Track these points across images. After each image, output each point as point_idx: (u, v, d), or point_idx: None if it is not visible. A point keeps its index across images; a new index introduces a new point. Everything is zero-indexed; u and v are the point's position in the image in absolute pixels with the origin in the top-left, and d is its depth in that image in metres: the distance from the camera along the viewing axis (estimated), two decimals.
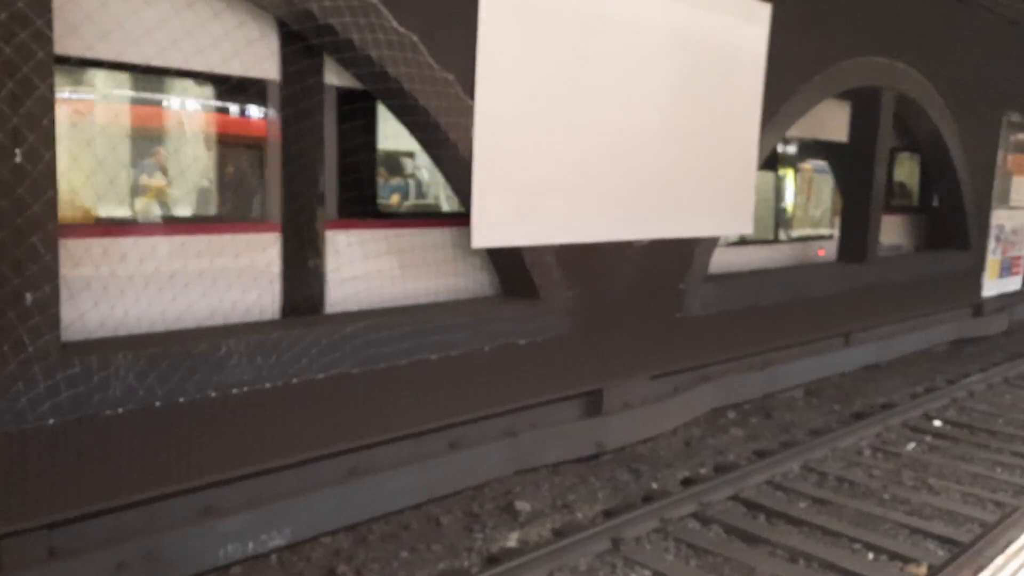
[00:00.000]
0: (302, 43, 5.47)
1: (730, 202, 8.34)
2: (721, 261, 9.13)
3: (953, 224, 12.71)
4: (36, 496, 4.39)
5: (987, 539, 5.67)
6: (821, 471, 7.43)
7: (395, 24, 5.51)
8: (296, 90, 5.58)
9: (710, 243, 8.33)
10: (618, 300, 7.49)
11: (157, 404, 4.73)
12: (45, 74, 4.19)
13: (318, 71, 5.67)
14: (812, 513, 6.50)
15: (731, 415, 9.03)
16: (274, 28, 5.48)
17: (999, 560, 3.74)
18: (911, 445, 8.30)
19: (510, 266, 6.76)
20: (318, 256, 5.85)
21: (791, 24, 8.41)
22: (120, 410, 4.60)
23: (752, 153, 8.41)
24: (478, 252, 6.70)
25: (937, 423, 9.08)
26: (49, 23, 4.18)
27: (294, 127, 5.61)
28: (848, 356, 11.06)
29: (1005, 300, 14.34)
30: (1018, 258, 14.46)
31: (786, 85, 8.66)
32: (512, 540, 5.90)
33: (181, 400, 4.82)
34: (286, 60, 5.53)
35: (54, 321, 4.38)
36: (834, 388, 10.36)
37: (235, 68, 5.36)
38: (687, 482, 7.10)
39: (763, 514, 6.51)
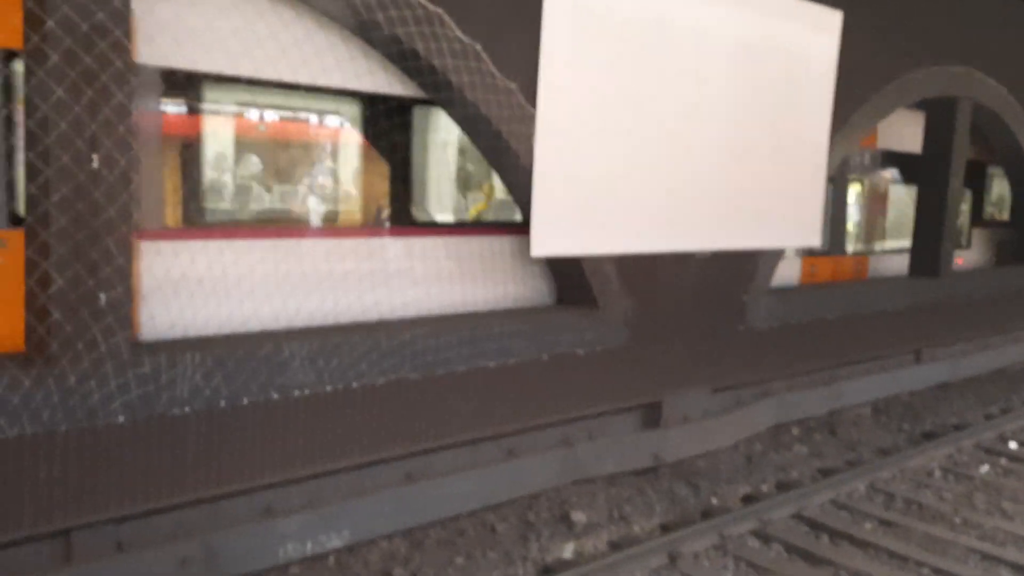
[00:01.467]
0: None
1: (797, 213, 8.18)
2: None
3: None
4: (106, 490, 4.54)
5: None
6: (888, 492, 7.20)
7: (459, 33, 5.56)
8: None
9: (774, 255, 8.17)
10: (678, 311, 7.41)
11: (222, 404, 4.85)
12: (122, 82, 4.34)
13: None
14: (878, 535, 6.30)
15: (794, 431, 8.83)
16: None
17: None
18: (984, 467, 7.99)
19: (569, 275, 6.75)
20: None
21: (863, 32, 8.22)
22: (187, 409, 4.72)
23: (821, 163, 8.23)
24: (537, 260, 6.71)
25: (1013, 445, 8.72)
26: (127, 33, 4.34)
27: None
28: (919, 373, 10.72)
29: None
30: None
31: (857, 94, 8.46)
32: (567, 551, 5.86)
33: (245, 401, 4.93)
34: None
35: (126, 321, 4.52)
36: (903, 406, 10.05)
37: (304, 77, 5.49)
38: (748, 498, 6.96)
39: (826, 534, 6.34)
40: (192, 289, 5.18)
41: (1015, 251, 12.51)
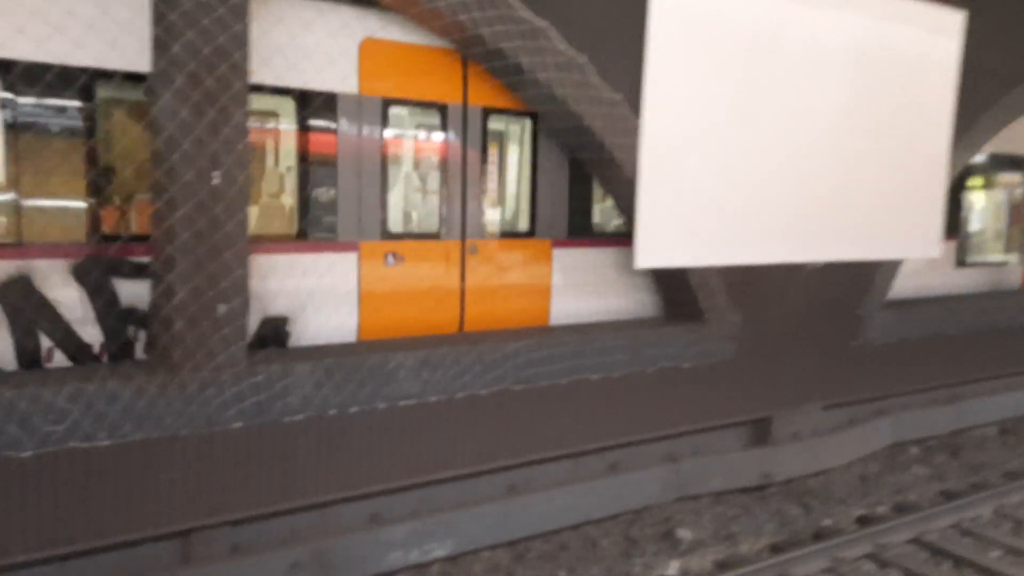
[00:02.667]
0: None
1: (915, 223, 7.80)
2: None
3: None
4: (223, 494, 4.72)
5: None
6: (1018, 518, 6.77)
7: (563, 47, 5.56)
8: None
9: (892, 266, 7.83)
10: (788, 325, 7.18)
11: (331, 413, 4.98)
12: (240, 103, 4.53)
13: None
14: (1007, 564, 5.92)
15: (913, 451, 8.41)
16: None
17: None
18: None
19: (674, 288, 6.64)
20: None
21: (990, 32, 7.79)
22: (299, 417, 4.87)
23: (941, 170, 7.84)
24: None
25: None
26: (245, 56, 4.52)
27: None
28: None
29: None
30: None
31: (983, 97, 8.02)
32: (672, 568, 5.74)
33: (353, 410, 5.05)
34: None
35: (242, 332, 4.70)
36: None
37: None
38: (863, 520, 6.67)
39: (949, 561, 6.00)
40: None
41: None
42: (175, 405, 4.48)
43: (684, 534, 6.19)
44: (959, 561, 5.96)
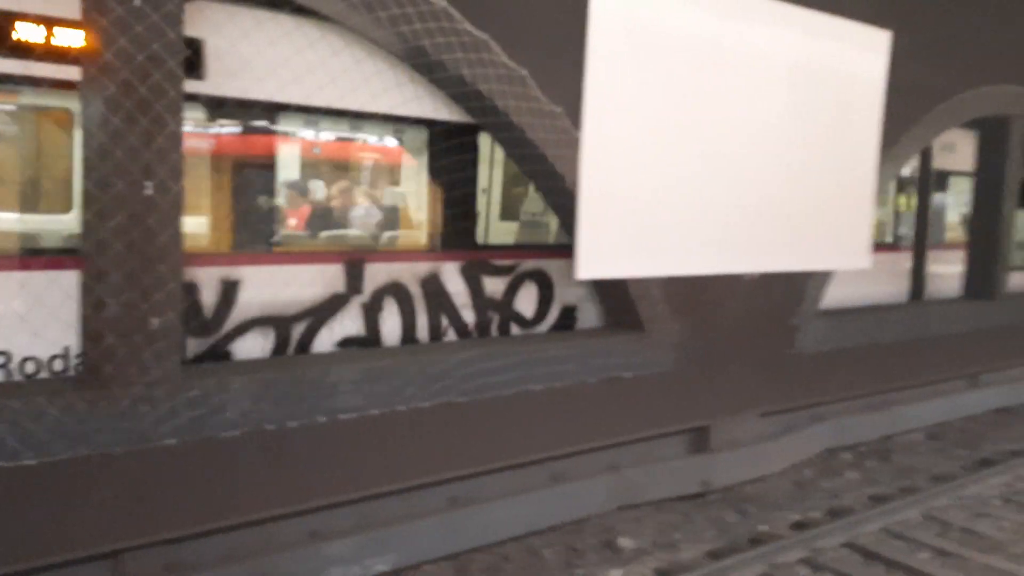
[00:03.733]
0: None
1: (846, 235, 8.04)
2: None
3: None
4: (156, 513, 4.59)
5: None
6: (944, 520, 6.99)
7: (506, 59, 5.60)
8: None
9: (824, 277, 8.04)
10: (727, 335, 7.31)
11: (269, 427, 4.89)
12: (175, 111, 4.44)
13: None
14: (935, 565, 6.10)
15: (846, 457, 8.63)
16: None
17: None
18: None
19: (616, 298, 6.71)
20: None
21: (913, 51, 8.10)
22: (235, 432, 4.77)
23: (869, 184, 8.10)
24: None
25: None
26: (180, 64, 4.43)
27: None
28: (975, 398, 10.46)
29: None
30: None
31: (907, 114, 8.33)
32: None
33: (292, 424, 4.97)
34: None
35: (177, 345, 4.59)
36: (959, 432, 9.78)
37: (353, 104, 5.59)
38: (798, 526, 6.81)
39: (880, 564, 6.16)
40: None
41: None
42: (106, 422, 4.34)
43: (626, 542, 6.24)
44: (889, 563, 6.13)
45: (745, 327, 7.43)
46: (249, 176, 5.29)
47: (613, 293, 6.68)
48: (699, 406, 7.21)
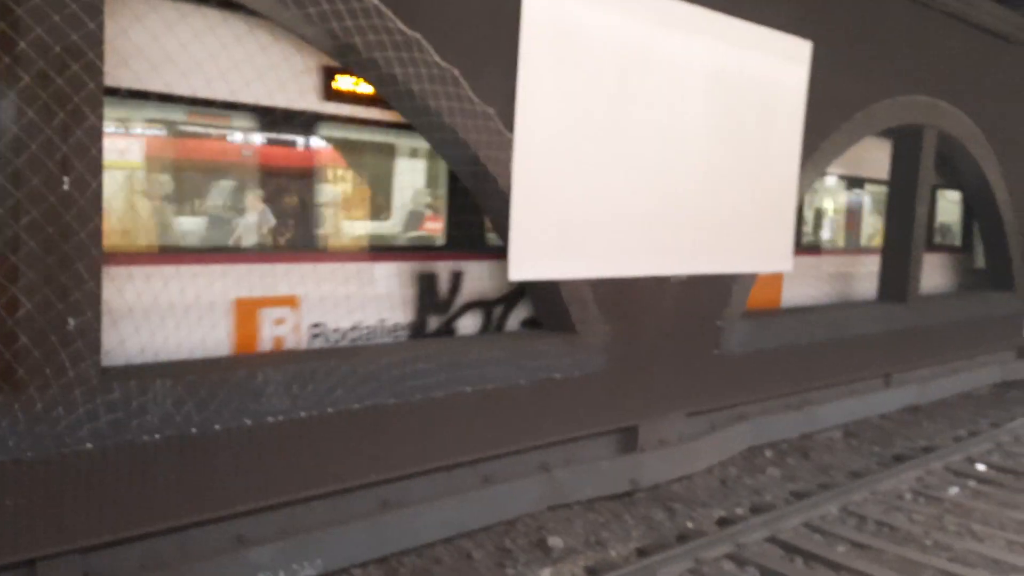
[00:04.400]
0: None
1: (769, 239, 8.27)
2: None
3: (997, 265, 12.48)
4: (72, 520, 4.41)
5: None
6: (860, 514, 7.24)
7: (437, 58, 5.58)
8: None
9: (748, 280, 8.25)
10: (655, 336, 7.43)
11: (193, 431, 4.76)
12: (95, 104, 4.29)
13: None
14: (851, 558, 6.32)
15: (768, 454, 8.86)
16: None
17: None
18: (954, 490, 8.07)
19: (547, 300, 6.75)
20: None
21: (832, 62, 8.38)
22: (157, 436, 4.62)
23: (792, 190, 8.35)
24: None
25: (981, 467, 8.83)
26: (101, 55, 4.29)
27: None
28: (888, 397, 10.85)
29: None
30: None
31: (827, 122, 8.61)
32: None
33: (217, 428, 4.84)
34: None
35: (95, 346, 4.43)
36: (874, 429, 10.15)
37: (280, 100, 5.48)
38: (723, 522, 6.96)
39: (800, 557, 6.35)
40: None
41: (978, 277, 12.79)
42: (19, 426, 4.16)
43: (556, 542, 6.28)
44: (809, 556, 6.32)
45: (673, 329, 7.56)
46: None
47: (545, 295, 6.72)
48: (628, 406, 7.31)
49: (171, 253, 5.27)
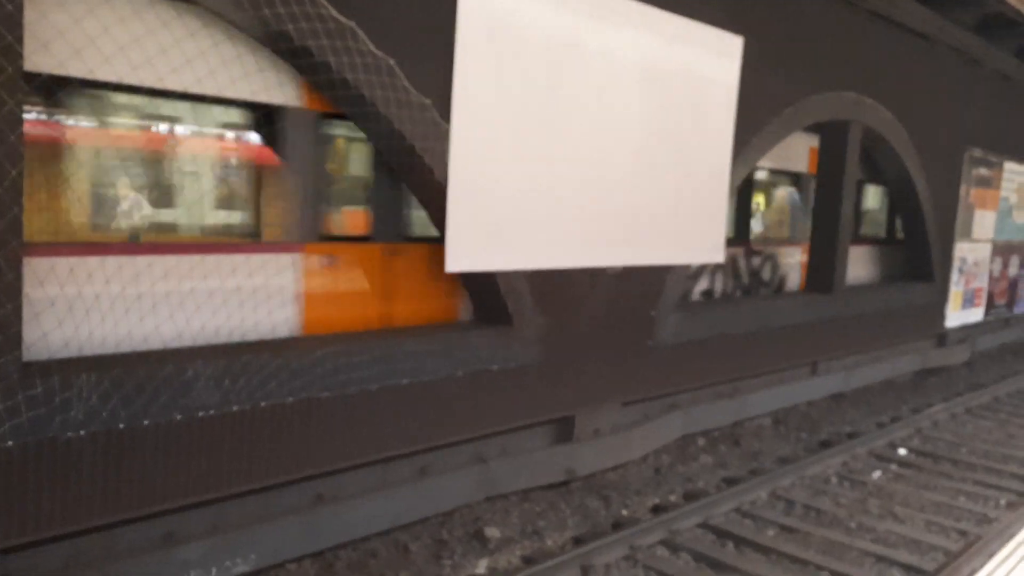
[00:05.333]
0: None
1: (702, 231, 8.41)
2: None
3: (918, 256, 12.93)
4: None
5: (951, 568, 5.73)
6: (789, 499, 7.46)
7: (372, 47, 5.51)
8: None
9: (682, 271, 8.38)
10: (590, 327, 7.50)
11: (120, 427, 4.63)
12: (13, 90, 4.12)
13: None
14: (780, 541, 6.51)
15: (701, 442, 9.05)
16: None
17: None
18: (877, 474, 8.37)
19: (484, 292, 6.75)
20: None
21: (762, 58, 8.55)
22: (82, 432, 4.49)
23: (724, 183, 8.50)
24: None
25: (902, 452, 9.18)
26: (20, 39, 4.12)
27: None
28: (815, 385, 11.17)
29: (967, 331, 14.61)
30: (980, 290, 14.75)
31: (758, 117, 8.79)
32: (481, 567, 5.84)
33: (145, 423, 4.72)
34: None
35: (16, 340, 4.27)
36: (801, 417, 10.44)
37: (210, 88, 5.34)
38: (657, 509, 7.09)
39: (731, 542, 6.51)
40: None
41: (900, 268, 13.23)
42: None
43: (493, 533, 6.31)
44: (740, 541, 6.49)
45: (608, 320, 7.64)
46: None
47: (482, 287, 6.72)
48: (564, 397, 7.37)
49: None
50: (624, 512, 6.96)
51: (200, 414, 4.94)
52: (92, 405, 4.51)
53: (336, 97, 5.68)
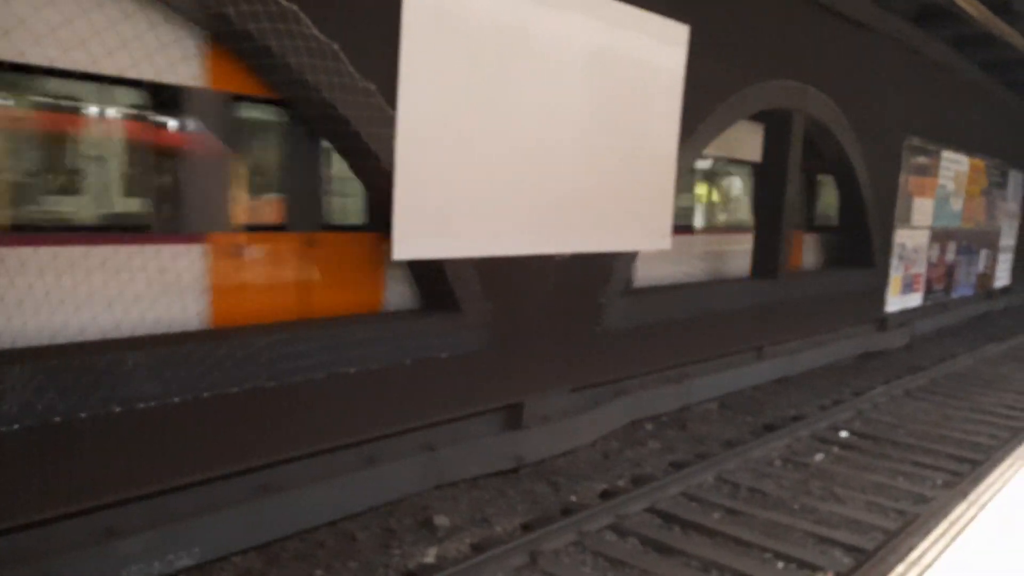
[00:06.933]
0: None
1: (648, 218, 8.48)
2: None
3: (858, 243, 13.23)
4: None
5: (889, 547, 5.89)
6: (734, 482, 7.59)
7: (316, 32, 5.42)
8: None
9: (629, 258, 8.45)
10: (539, 314, 7.52)
11: (56, 420, 4.50)
12: None
13: None
14: (725, 523, 6.62)
15: (648, 427, 9.15)
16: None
17: (900, 568, 3.87)
18: (819, 456, 8.56)
19: (431, 279, 6.72)
20: None
21: (708, 46, 8.63)
22: (16, 426, 4.35)
23: (670, 171, 8.58)
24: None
25: (843, 434, 9.39)
26: None
27: None
28: (760, 370, 11.36)
29: (907, 315, 15.02)
30: (919, 275, 15.16)
31: (703, 104, 8.87)
32: (430, 556, 5.82)
33: (83, 415, 4.60)
34: None
35: None
36: (747, 401, 10.61)
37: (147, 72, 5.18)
38: (605, 495, 7.15)
39: (678, 525, 6.60)
40: None
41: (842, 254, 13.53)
42: None
43: (442, 521, 6.30)
44: (686, 524, 6.59)
45: (556, 306, 7.67)
46: None
47: (429, 274, 6.68)
48: (512, 384, 7.38)
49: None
50: (573, 498, 7.01)
51: (140, 405, 4.85)
52: (25, 398, 4.37)
53: (278, 82, 5.58)
